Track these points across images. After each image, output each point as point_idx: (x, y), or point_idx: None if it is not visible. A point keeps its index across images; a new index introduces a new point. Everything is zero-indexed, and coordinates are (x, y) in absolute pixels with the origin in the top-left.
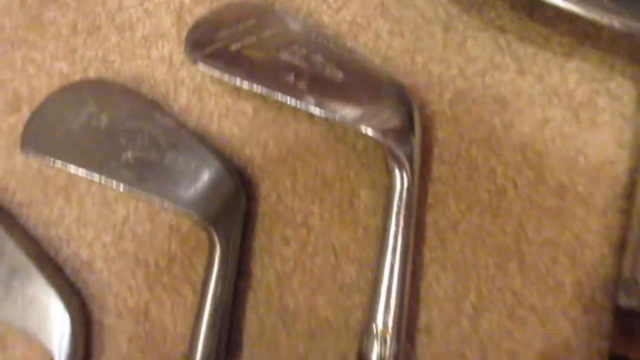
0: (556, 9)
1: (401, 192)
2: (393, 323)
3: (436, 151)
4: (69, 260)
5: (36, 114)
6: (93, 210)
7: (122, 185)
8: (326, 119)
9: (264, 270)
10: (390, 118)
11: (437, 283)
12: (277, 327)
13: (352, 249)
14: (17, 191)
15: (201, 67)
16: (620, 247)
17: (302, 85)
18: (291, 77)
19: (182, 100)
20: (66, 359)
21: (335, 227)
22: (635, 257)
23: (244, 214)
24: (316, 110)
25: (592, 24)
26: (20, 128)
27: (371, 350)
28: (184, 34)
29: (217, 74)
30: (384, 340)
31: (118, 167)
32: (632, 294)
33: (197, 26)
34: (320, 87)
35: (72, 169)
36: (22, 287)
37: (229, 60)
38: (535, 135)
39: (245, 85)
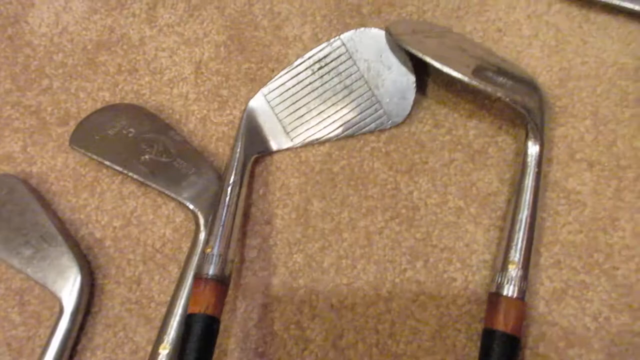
0: (462, 83)
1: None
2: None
3: (371, 176)
4: (85, 238)
5: (84, 122)
6: (110, 202)
7: (138, 177)
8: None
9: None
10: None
11: (363, 272)
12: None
13: (302, 243)
14: (54, 183)
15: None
16: (498, 254)
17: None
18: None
19: (190, 125)
20: (73, 308)
21: (291, 225)
22: (504, 260)
23: None
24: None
25: (488, 96)
26: (66, 137)
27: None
28: (199, 80)
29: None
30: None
31: (137, 164)
32: (492, 281)
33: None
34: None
35: (103, 162)
36: (49, 249)
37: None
38: (442, 171)
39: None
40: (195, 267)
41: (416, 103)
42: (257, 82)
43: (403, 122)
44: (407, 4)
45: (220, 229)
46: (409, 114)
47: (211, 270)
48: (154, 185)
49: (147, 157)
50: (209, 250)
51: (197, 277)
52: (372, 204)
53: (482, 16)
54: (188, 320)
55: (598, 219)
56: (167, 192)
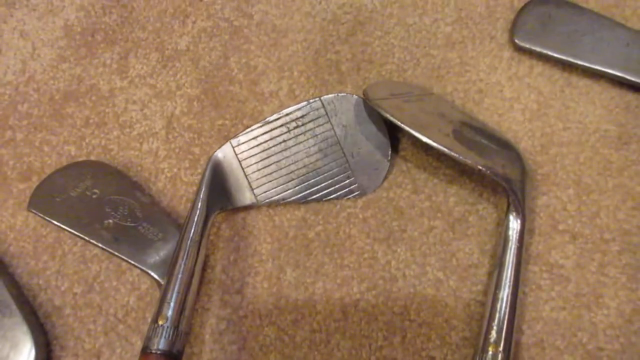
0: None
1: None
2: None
3: (347, 243)
4: (43, 305)
5: (45, 182)
6: (71, 266)
7: (100, 244)
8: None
9: (202, 327)
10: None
11: (337, 348)
12: None
13: (274, 315)
14: (13, 244)
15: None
16: (479, 332)
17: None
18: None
19: (159, 184)
20: None
21: (263, 295)
22: (484, 341)
23: None
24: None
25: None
26: (28, 194)
27: None
28: (171, 136)
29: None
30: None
31: (100, 230)
32: None
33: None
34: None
35: (63, 228)
36: (2, 320)
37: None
38: (422, 239)
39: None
40: (144, 339)
41: (395, 167)
42: (230, 139)
43: (381, 187)
44: (386, 62)
45: (174, 295)
46: (383, 182)
47: (161, 344)
48: (116, 253)
49: (110, 221)
50: (161, 321)
51: (145, 352)
52: (348, 274)
53: (462, 76)
54: None
55: (582, 294)
56: (130, 260)
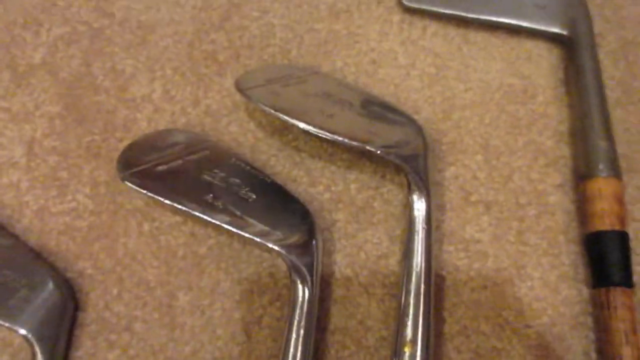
0: None
1: (302, 303)
2: None
3: (244, 254)
4: None
5: None
6: None
7: None
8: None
9: None
10: (293, 234)
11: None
12: None
13: (170, 348)
14: None
15: (129, 184)
16: (396, 329)
17: (219, 204)
18: (209, 197)
19: (25, 220)
20: None
21: (155, 328)
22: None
23: (70, 325)
24: (228, 227)
25: None
26: None
27: None
28: (33, 164)
29: (143, 192)
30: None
31: None
32: None
33: (130, 148)
34: (234, 206)
35: None
36: None
37: (156, 179)
38: (324, 236)
39: (169, 203)
40: None
41: (288, 160)
42: (102, 157)
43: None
44: (268, 45)
45: None
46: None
47: None
48: None
49: None
50: None
51: None
52: (247, 288)
53: (352, 49)
54: None
55: (502, 269)
56: None
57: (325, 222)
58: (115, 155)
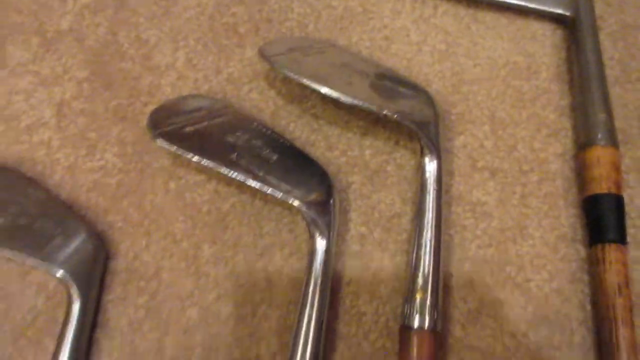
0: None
1: (322, 255)
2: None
3: (264, 211)
4: None
5: None
6: None
7: None
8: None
9: (119, 318)
10: (312, 192)
11: (264, 319)
12: None
13: (195, 295)
14: None
15: (159, 142)
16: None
17: (243, 162)
18: (234, 156)
19: (56, 177)
20: None
21: (181, 277)
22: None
23: (102, 271)
24: (253, 183)
25: None
26: None
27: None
28: (63, 124)
29: (173, 149)
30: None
31: None
32: (401, 314)
33: (158, 111)
34: (257, 165)
35: None
36: None
37: (183, 139)
38: (341, 196)
39: (196, 159)
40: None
41: (306, 126)
42: (129, 120)
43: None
44: (286, 19)
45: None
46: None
47: None
48: (10, 256)
49: (1, 220)
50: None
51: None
52: (268, 242)
53: (367, 25)
54: None
55: (506, 229)
56: (27, 261)
57: (342, 184)
58: (142, 118)
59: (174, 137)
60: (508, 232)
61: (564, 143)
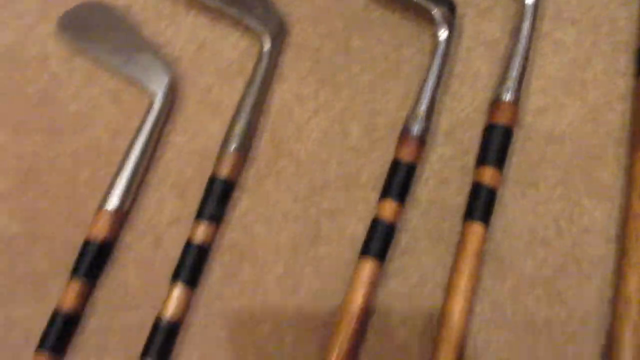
0: None
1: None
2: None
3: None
4: (165, 56)
5: None
6: (184, 32)
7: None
8: None
9: None
10: None
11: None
12: None
13: None
14: (139, 13)
15: None
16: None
17: None
18: None
19: None
20: (162, 104)
21: None
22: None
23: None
24: None
25: None
26: None
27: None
28: None
29: None
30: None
31: None
32: (494, 92)
33: None
34: None
35: None
36: (141, 55)
37: None
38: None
39: None
40: None
41: None
42: None
43: None
44: None
45: None
46: None
47: None
48: (227, 11)
49: None
50: None
51: None
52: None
53: None
54: None
55: (576, 59)
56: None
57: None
58: None
59: None
60: (578, 62)
61: None
